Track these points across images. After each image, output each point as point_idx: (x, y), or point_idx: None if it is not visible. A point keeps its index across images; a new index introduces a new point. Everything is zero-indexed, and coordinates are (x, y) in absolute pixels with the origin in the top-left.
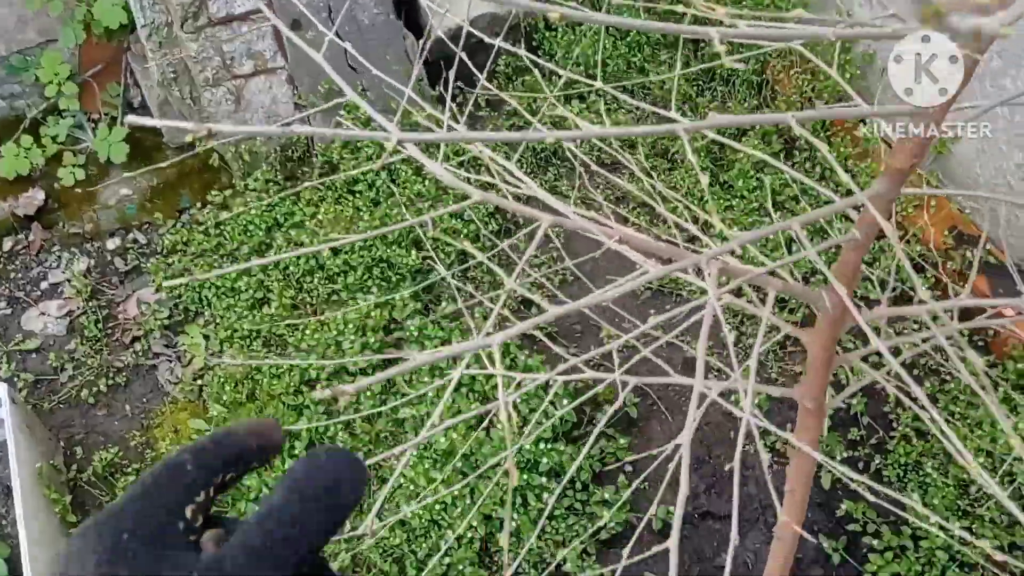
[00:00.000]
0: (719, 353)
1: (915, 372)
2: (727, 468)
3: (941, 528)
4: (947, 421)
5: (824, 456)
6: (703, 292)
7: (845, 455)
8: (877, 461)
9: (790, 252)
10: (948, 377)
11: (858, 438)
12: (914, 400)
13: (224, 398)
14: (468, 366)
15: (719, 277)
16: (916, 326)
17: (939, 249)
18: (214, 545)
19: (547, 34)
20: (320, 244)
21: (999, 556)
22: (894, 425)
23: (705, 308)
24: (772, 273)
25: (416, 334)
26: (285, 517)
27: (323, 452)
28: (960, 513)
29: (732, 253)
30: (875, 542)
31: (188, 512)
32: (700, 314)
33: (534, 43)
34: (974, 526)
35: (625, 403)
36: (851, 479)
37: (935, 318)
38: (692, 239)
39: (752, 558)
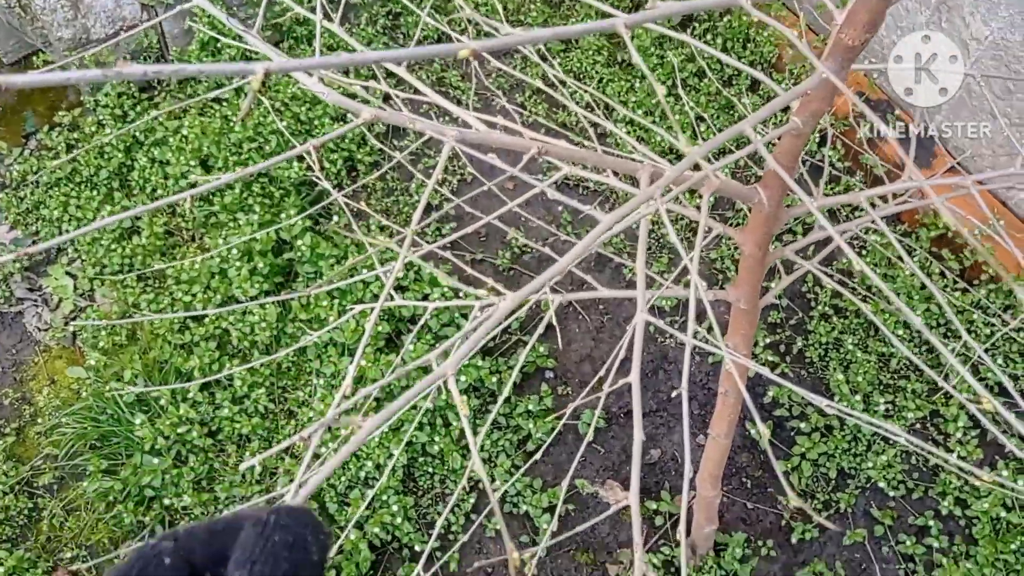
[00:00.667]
0: (634, 257)
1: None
2: (653, 367)
3: (864, 405)
4: (864, 298)
5: (749, 358)
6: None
7: (767, 340)
8: (799, 343)
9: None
10: (862, 252)
11: (778, 320)
12: (843, 284)
13: (101, 343)
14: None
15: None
16: (845, 211)
17: (845, 117)
18: None
19: None
20: (204, 181)
21: (912, 444)
22: (812, 305)
23: (640, 219)
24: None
25: (309, 254)
26: None
27: (272, 520)
28: (883, 387)
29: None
30: (802, 424)
31: None
32: (623, 220)
33: None
34: (896, 398)
35: (546, 317)
36: (780, 385)
37: (872, 205)
38: (602, 135)
39: (679, 450)
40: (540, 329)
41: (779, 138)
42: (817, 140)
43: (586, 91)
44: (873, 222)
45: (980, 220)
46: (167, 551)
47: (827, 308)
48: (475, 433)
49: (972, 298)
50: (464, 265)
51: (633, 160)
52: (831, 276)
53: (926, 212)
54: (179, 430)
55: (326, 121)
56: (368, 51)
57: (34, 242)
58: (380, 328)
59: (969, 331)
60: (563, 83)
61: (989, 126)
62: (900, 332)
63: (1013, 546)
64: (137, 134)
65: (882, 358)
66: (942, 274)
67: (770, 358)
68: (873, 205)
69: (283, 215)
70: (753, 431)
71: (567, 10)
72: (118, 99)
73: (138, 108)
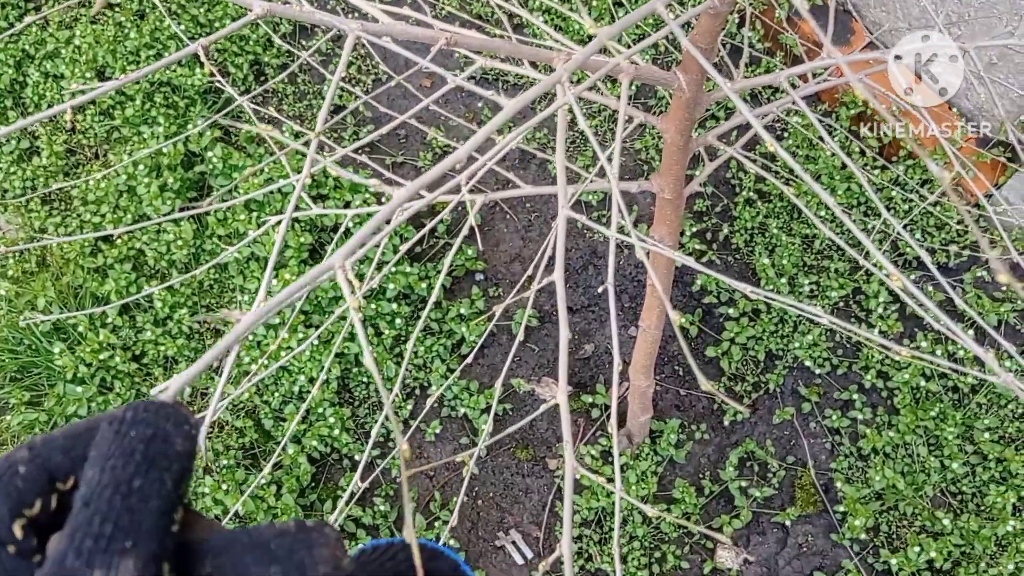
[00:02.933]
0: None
1: (754, 135)
2: (579, 262)
3: (790, 287)
4: (787, 180)
5: (676, 248)
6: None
7: (694, 229)
8: (725, 230)
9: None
10: (784, 134)
11: (704, 208)
12: (767, 168)
13: (10, 272)
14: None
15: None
16: (767, 94)
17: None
18: None
19: None
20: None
21: (835, 324)
22: (737, 191)
23: (557, 112)
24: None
25: (221, 166)
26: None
27: (129, 416)
28: (807, 268)
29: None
30: (730, 310)
31: (17, 530)
32: (540, 110)
33: None
34: (821, 278)
35: (470, 216)
36: (706, 273)
37: (793, 85)
38: (519, 26)
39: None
40: (464, 231)
41: (696, 18)
42: (736, 21)
43: None
44: (794, 103)
45: (898, 96)
46: (22, 460)
47: (752, 193)
48: (406, 339)
49: (891, 175)
50: (383, 169)
51: (547, 48)
52: (754, 161)
53: (846, 90)
54: (101, 356)
55: (227, 22)
56: None
57: None
58: (303, 239)
59: (888, 207)
60: None
61: None
62: (823, 213)
63: (932, 413)
64: (27, 47)
65: (806, 240)
66: (862, 152)
67: (697, 246)
68: (793, 86)
69: (190, 125)
70: (683, 320)
71: None
72: (2, 10)
73: (25, 19)
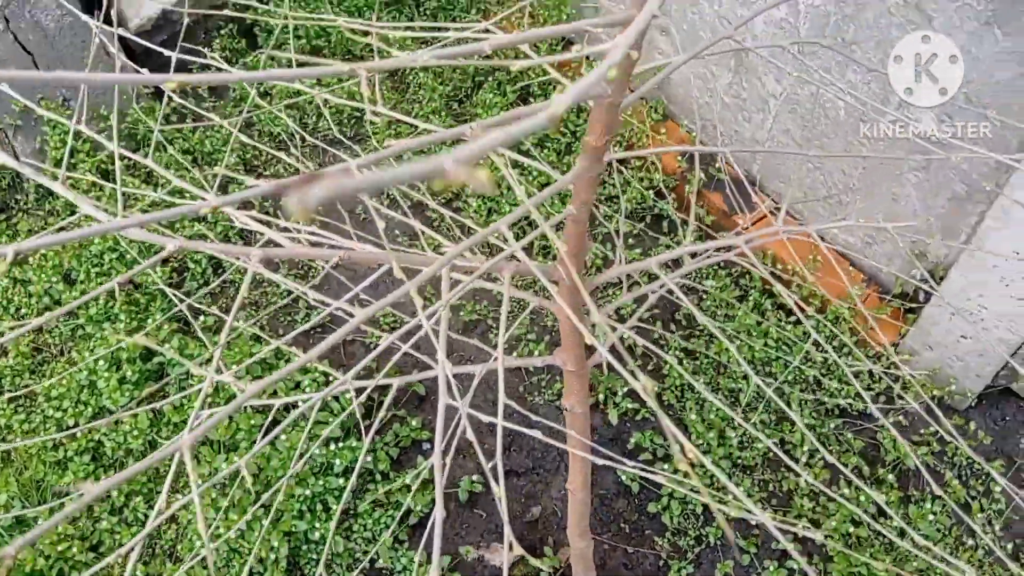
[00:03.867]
0: (482, 330)
1: (674, 295)
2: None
3: (719, 439)
4: (710, 338)
5: (587, 415)
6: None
7: (627, 388)
8: (657, 388)
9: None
10: (704, 295)
11: (638, 367)
12: (689, 327)
13: None
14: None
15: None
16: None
17: (675, 173)
18: None
19: (261, 13)
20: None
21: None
22: (666, 350)
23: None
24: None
25: (178, 355)
26: None
27: None
28: (734, 424)
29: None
30: (666, 467)
31: None
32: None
33: (248, 23)
34: (747, 432)
35: (409, 386)
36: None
37: (694, 255)
38: (414, 238)
39: (560, 505)
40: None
41: (565, 219)
42: (653, 195)
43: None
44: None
45: (802, 257)
46: None
47: (678, 352)
48: (355, 513)
49: (803, 329)
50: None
51: (427, 255)
52: (674, 328)
53: (761, 251)
54: (59, 547)
55: (189, 225)
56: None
57: None
58: (253, 421)
59: (807, 359)
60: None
61: (795, 170)
62: (743, 369)
63: (863, 558)
64: None
65: (732, 393)
66: (775, 308)
67: (630, 405)
68: (695, 255)
69: (150, 320)
70: (624, 477)
71: (413, 94)
72: None
73: None
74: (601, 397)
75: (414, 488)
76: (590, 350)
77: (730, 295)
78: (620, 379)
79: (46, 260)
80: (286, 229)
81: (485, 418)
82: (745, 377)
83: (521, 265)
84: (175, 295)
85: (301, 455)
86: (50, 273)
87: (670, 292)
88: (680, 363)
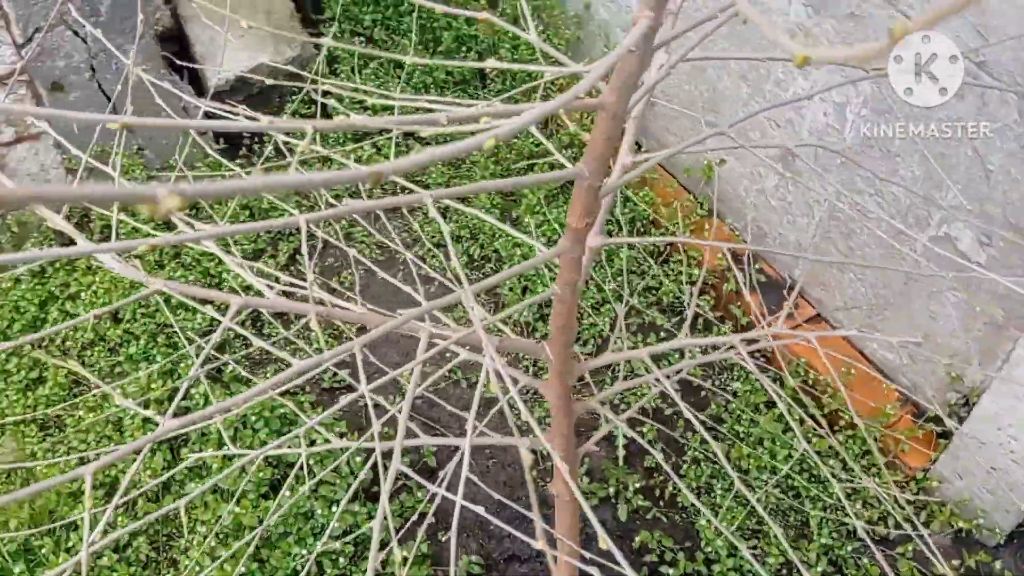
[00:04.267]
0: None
1: (702, 393)
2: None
3: (729, 550)
4: (733, 441)
5: (574, 501)
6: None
7: (639, 484)
8: (672, 487)
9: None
10: (732, 397)
11: (654, 464)
12: (714, 430)
13: None
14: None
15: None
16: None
17: (715, 270)
18: None
19: (333, 80)
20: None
21: None
22: (685, 449)
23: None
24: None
25: (203, 403)
26: None
27: None
28: (749, 533)
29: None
30: (671, 571)
31: None
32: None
33: (321, 88)
34: (761, 543)
35: (422, 452)
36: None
37: (682, 353)
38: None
39: None
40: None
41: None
42: (691, 291)
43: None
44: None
45: (836, 368)
46: None
47: (698, 453)
48: None
49: (828, 444)
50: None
51: (410, 321)
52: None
53: (793, 356)
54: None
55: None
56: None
57: None
58: (262, 474)
59: (832, 475)
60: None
61: (836, 278)
62: (764, 477)
63: None
64: (53, 288)
65: (747, 502)
66: (802, 420)
67: (641, 502)
68: (705, 350)
69: (182, 365)
70: None
71: (467, 170)
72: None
73: (55, 264)
74: (612, 491)
75: (410, 561)
76: (585, 434)
77: (759, 398)
78: (634, 473)
79: (96, 297)
80: (277, 280)
81: (472, 507)
82: (765, 485)
83: (507, 342)
84: (200, 343)
85: (305, 514)
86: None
87: (697, 389)
88: (699, 464)
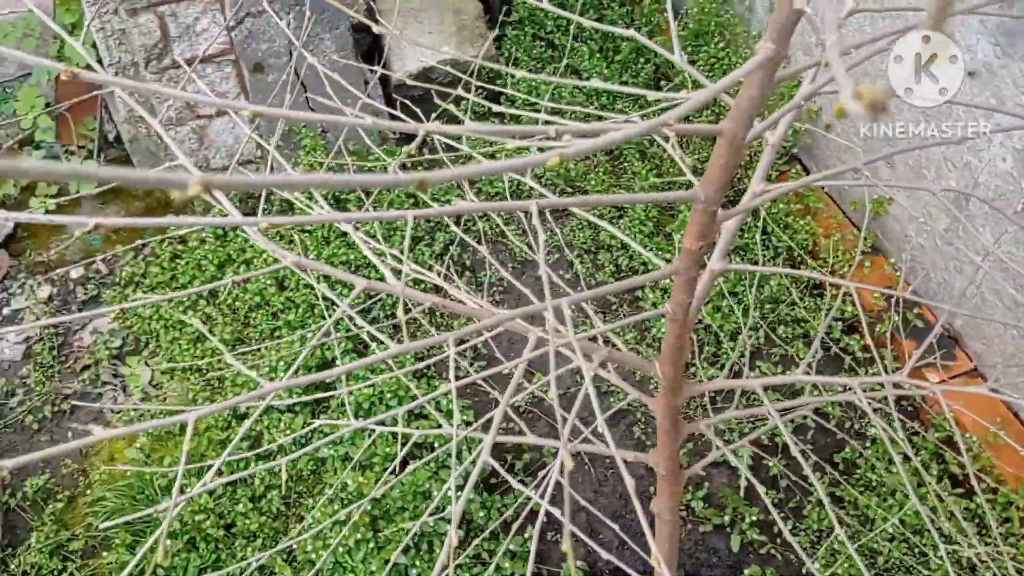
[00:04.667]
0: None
1: (838, 436)
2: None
3: None
4: (863, 489)
5: (676, 522)
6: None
7: (757, 518)
8: (791, 525)
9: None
10: (870, 443)
11: (776, 500)
12: (846, 473)
13: (151, 432)
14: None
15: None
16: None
17: (872, 311)
18: None
19: (510, 80)
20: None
21: None
22: (811, 490)
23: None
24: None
25: (345, 377)
26: None
27: None
28: None
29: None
30: None
31: None
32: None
33: (497, 87)
34: None
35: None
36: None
37: (803, 389)
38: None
39: None
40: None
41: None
42: (843, 328)
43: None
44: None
45: (988, 423)
46: None
47: (824, 495)
48: (457, 565)
49: (966, 503)
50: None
51: (522, 324)
52: (809, 461)
53: (938, 411)
54: (196, 518)
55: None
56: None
57: (127, 334)
58: (390, 450)
59: (963, 537)
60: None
61: (1000, 333)
62: (890, 530)
63: None
64: (232, 252)
65: (870, 554)
66: (940, 478)
67: (757, 536)
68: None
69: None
70: None
71: (628, 180)
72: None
73: (237, 230)
74: (727, 519)
75: (515, 553)
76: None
77: (897, 448)
78: (753, 506)
79: (266, 264)
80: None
81: (560, 515)
82: (891, 539)
83: (615, 354)
84: (352, 315)
85: (423, 493)
86: (268, 276)
87: (833, 429)
88: (822, 507)
